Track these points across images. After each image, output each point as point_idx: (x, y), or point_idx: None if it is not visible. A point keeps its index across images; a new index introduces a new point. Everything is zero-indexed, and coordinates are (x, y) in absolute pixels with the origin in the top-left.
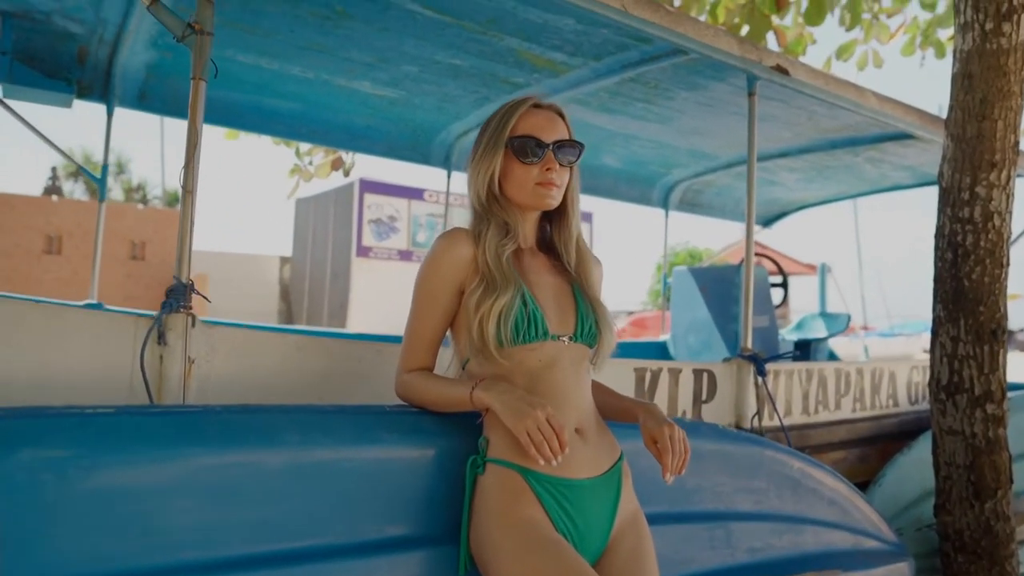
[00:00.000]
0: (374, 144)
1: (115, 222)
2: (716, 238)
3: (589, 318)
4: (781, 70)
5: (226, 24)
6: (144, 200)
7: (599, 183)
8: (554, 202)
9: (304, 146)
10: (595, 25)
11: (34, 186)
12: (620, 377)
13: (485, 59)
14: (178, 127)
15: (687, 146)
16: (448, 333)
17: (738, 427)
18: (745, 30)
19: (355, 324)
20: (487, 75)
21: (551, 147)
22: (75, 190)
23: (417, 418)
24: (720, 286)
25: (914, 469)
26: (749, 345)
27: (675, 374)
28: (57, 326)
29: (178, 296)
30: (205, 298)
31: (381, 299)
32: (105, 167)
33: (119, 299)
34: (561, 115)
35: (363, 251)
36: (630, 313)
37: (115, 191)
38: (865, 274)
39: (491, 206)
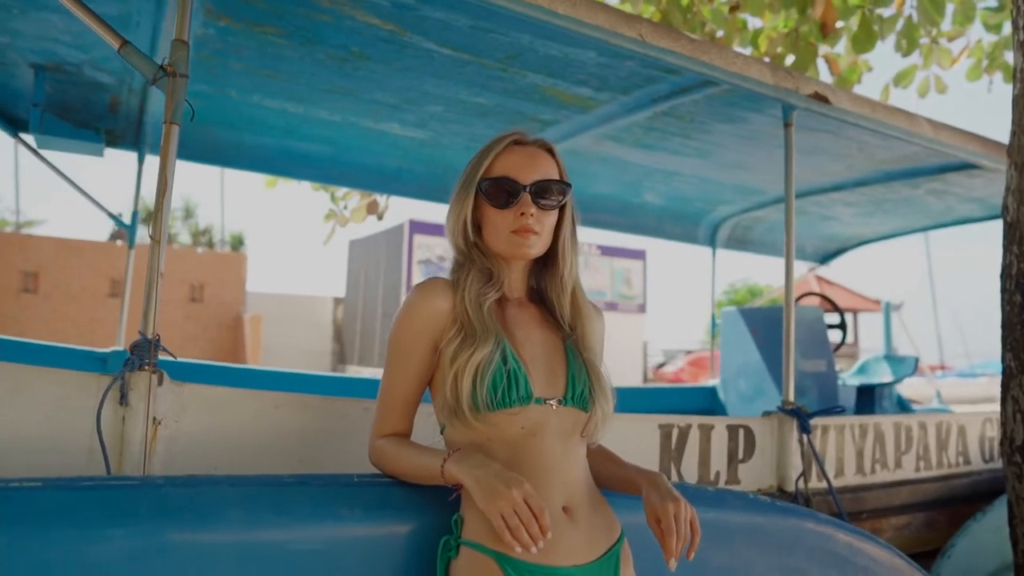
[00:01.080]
0: (406, 186)
1: (176, 265)
2: (778, 274)
3: (581, 379)
4: (820, 98)
5: (249, 71)
6: (211, 243)
7: (641, 221)
8: (532, 251)
9: (340, 191)
10: (618, 58)
11: (103, 232)
12: (643, 435)
13: (510, 96)
14: (238, 173)
15: (731, 181)
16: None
17: (780, 490)
18: (790, 60)
19: None
20: (514, 113)
21: (528, 189)
22: (145, 234)
23: (386, 490)
24: (772, 328)
25: (990, 537)
26: (791, 397)
27: (706, 431)
28: (11, 385)
29: (142, 353)
30: (170, 354)
31: None
32: (135, 214)
33: (178, 339)
34: (550, 151)
35: None
36: (688, 352)
37: (183, 235)
38: (940, 310)
39: (471, 253)
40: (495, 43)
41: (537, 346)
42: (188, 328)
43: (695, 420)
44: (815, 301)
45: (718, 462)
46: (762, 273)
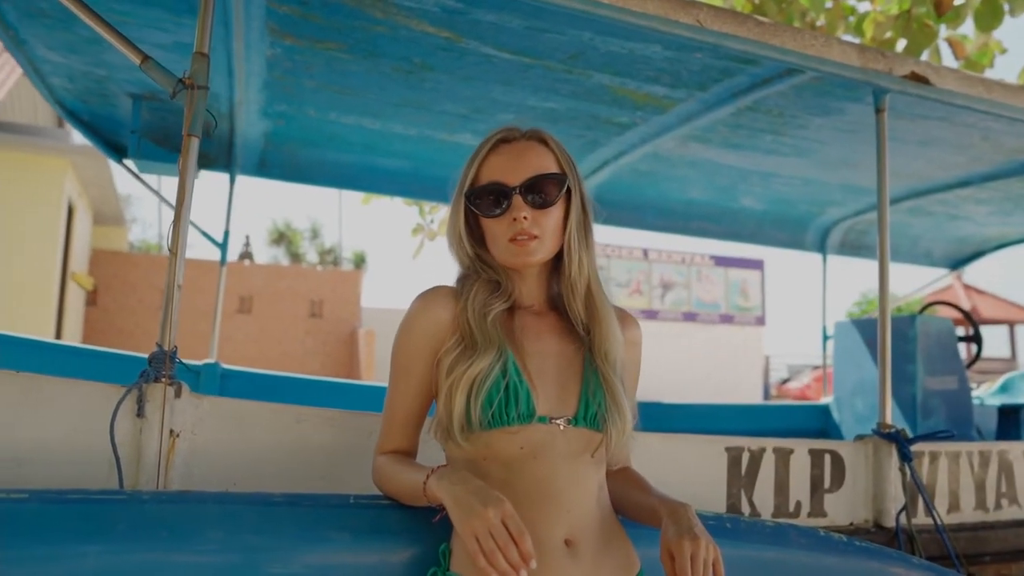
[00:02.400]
0: None
1: (299, 283)
2: (917, 282)
3: (596, 397)
4: (919, 79)
5: (321, 88)
6: (336, 262)
7: (741, 228)
8: (535, 257)
9: (427, 204)
10: (686, 50)
11: (233, 253)
12: (706, 459)
13: (580, 100)
14: (353, 194)
15: (839, 180)
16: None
17: (877, 525)
18: (902, 45)
19: None
20: (588, 117)
21: (517, 190)
22: (278, 255)
23: (381, 513)
24: (891, 341)
25: None
26: (888, 419)
27: (783, 455)
28: (34, 397)
29: (158, 364)
30: (186, 367)
31: None
32: (227, 233)
33: (299, 354)
34: (543, 141)
35: None
36: (815, 367)
37: (310, 254)
38: None
39: (475, 265)
40: (554, 43)
41: (549, 359)
42: (308, 343)
43: (769, 443)
44: (948, 312)
45: (799, 491)
46: (900, 281)
